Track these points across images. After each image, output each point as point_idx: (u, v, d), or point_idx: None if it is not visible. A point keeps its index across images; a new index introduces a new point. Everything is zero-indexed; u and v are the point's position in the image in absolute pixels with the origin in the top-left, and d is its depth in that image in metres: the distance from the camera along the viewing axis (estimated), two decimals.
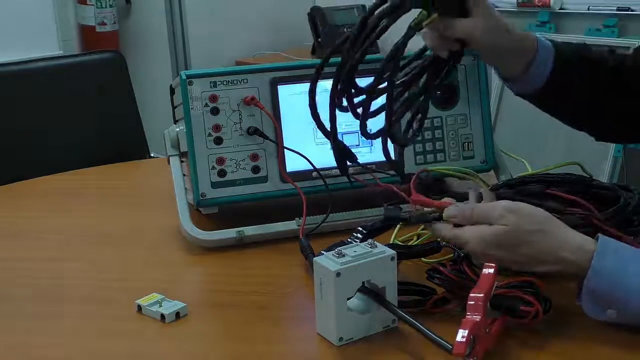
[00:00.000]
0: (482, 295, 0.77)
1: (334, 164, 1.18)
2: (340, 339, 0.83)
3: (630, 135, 1.15)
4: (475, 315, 0.76)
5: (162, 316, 0.91)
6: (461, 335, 0.74)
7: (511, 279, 0.85)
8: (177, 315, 0.91)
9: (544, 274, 0.85)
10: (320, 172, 1.15)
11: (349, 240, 0.96)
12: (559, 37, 2.91)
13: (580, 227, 0.88)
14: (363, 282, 0.83)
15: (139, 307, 0.93)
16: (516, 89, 1.08)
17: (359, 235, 0.96)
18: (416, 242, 1.07)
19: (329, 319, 0.84)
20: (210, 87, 1.14)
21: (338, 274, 0.81)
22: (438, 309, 0.88)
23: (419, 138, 1.20)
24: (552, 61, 1.03)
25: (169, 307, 0.92)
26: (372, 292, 0.84)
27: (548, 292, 0.84)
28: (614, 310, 0.81)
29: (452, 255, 0.95)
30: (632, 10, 2.78)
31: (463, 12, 0.96)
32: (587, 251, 0.82)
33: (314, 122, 0.97)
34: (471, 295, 0.78)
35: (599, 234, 0.84)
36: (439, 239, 0.95)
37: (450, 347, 0.75)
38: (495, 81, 3.08)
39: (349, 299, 0.83)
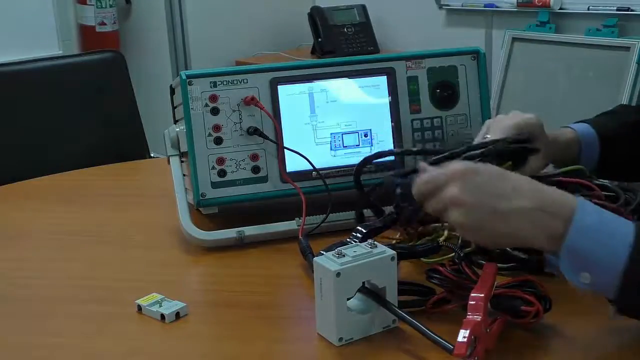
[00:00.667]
0: (482, 295, 0.77)
1: (334, 164, 1.18)
2: (340, 339, 0.83)
3: None
4: (476, 315, 0.76)
5: (162, 316, 0.91)
6: (462, 335, 0.74)
7: (511, 279, 0.85)
8: (177, 315, 0.91)
9: (524, 236, 0.80)
10: (320, 172, 1.15)
11: (348, 240, 0.96)
12: (559, 37, 2.91)
13: None
14: (363, 282, 0.84)
15: (139, 307, 0.93)
16: None
17: (358, 235, 0.96)
18: (416, 242, 1.07)
19: (329, 319, 0.84)
20: (210, 87, 1.14)
21: (338, 274, 0.81)
22: (438, 308, 0.88)
23: (420, 138, 1.20)
24: (598, 145, 1.11)
25: (169, 307, 0.92)
26: (372, 293, 0.84)
27: (548, 292, 0.84)
28: (588, 274, 0.76)
29: (452, 255, 0.95)
30: (632, 10, 2.78)
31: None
32: (568, 203, 0.78)
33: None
34: (472, 295, 0.78)
35: (577, 194, 0.82)
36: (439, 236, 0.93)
37: (451, 347, 0.75)
38: (495, 81, 3.08)
39: (349, 299, 0.83)
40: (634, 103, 2.56)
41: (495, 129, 1.02)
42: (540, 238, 0.79)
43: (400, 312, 0.83)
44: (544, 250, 0.84)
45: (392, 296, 0.85)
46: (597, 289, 0.77)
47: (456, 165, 0.83)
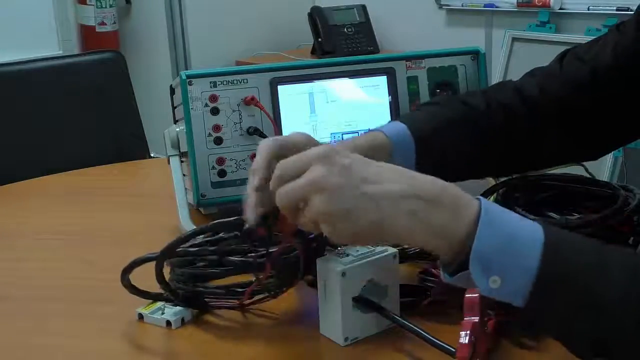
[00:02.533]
0: (477, 295, 0.77)
1: None
2: (346, 338, 0.83)
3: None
4: (473, 316, 0.76)
5: (168, 322, 0.89)
6: (463, 337, 0.73)
7: None
8: (182, 320, 0.90)
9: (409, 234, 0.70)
10: None
11: None
12: (559, 37, 2.91)
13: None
14: (367, 281, 0.83)
15: (140, 316, 0.91)
16: None
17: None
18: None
19: (334, 320, 0.83)
20: (210, 87, 1.14)
21: (343, 274, 0.81)
22: (433, 308, 0.88)
23: None
24: (413, 146, 0.98)
25: (172, 313, 0.90)
26: (368, 302, 0.83)
27: None
28: (498, 277, 0.67)
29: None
30: (632, 11, 2.77)
31: None
32: (469, 202, 0.70)
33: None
34: (467, 296, 0.77)
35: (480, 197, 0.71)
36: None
37: (454, 350, 0.75)
38: (495, 81, 3.08)
39: (353, 298, 0.83)
40: None
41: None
42: (425, 235, 0.70)
43: (398, 318, 0.83)
44: (432, 251, 0.73)
45: (394, 294, 0.85)
46: (506, 292, 0.68)
47: (318, 148, 0.73)
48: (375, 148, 0.95)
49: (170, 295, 0.90)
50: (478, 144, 1.03)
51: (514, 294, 0.68)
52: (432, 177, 0.72)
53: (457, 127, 1.02)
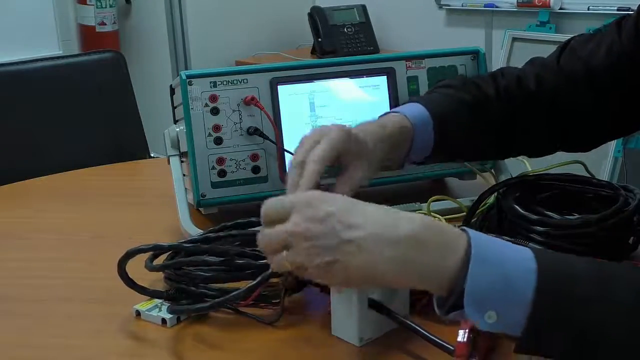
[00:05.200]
0: None
1: None
2: (361, 339, 0.83)
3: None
4: None
5: (164, 320, 0.90)
6: (461, 335, 0.74)
7: None
8: (178, 319, 0.90)
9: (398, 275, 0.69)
10: None
11: None
12: (559, 37, 2.91)
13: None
14: None
15: (138, 312, 0.92)
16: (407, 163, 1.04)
17: None
18: None
19: (349, 320, 0.83)
20: (210, 87, 1.14)
21: None
22: (433, 307, 0.88)
23: None
24: (432, 127, 0.99)
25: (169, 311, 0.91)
26: (375, 303, 0.84)
27: None
28: (494, 312, 0.66)
29: None
30: (632, 11, 2.77)
31: None
32: (458, 237, 0.68)
33: None
34: None
35: (463, 227, 0.70)
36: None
37: (452, 348, 0.75)
38: None
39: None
40: None
41: (311, 169, 0.86)
42: (413, 279, 0.69)
43: (400, 317, 0.83)
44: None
45: (403, 295, 0.85)
46: (503, 326, 0.66)
47: (303, 194, 0.77)
48: (403, 134, 0.97)
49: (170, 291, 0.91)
50: (485, 128, 1.03)
51: (511, 327, 0.66)
52: (418, 215, 0.71)
53: (471, 110, 1.02)
